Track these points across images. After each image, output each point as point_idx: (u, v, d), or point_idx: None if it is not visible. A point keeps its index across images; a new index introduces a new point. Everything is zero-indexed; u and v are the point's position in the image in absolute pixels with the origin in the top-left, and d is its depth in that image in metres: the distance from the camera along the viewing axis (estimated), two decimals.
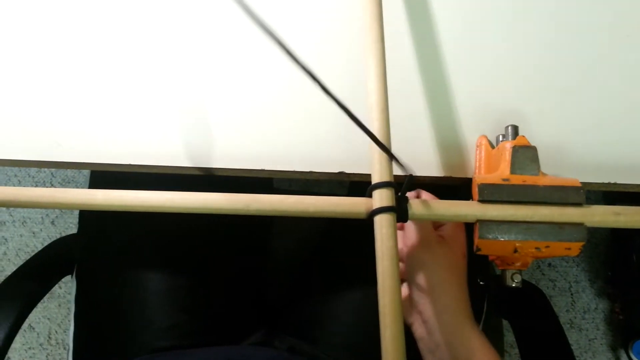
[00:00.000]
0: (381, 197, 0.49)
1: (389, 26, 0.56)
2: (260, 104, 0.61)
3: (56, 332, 1.44)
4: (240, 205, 0.51)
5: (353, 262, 0.72)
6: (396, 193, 0.50)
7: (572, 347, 0.65)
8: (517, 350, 0.70)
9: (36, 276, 0.73)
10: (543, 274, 1.43)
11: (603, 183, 0.60)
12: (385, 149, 0.50)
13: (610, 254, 1.42)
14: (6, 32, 0.62)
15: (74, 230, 0.81)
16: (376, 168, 0.50)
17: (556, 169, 0.59)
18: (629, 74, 0.61)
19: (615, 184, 0.60)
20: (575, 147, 0.60)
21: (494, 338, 0.80)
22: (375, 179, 0.50)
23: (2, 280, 0.70)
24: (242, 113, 0.61)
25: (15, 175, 1.46)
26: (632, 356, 1.35)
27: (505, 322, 0.94)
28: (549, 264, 1.43)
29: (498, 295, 0.73)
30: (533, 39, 0.61)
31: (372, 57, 0.54)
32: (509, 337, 0.93)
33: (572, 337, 1.41)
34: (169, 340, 0.67)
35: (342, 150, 0.61)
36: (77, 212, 1.33)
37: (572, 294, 1.43)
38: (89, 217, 0.76)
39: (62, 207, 0.53)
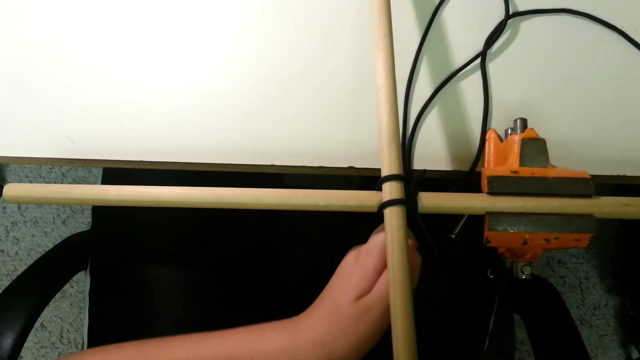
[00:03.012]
0: (391, 190, 0.49)
1: (397, 20, 0.57)
2: (270, 100, 0.61)
3: (68, 331, 1.45)
4: (250, 200, 0.51)
5: None
6: (406, 186, 0.50)
7: None
8: (527, 347, 0.70)
9: (50, 271, 0.74)
10: (553, 271, 1.43)
11: (612, 176, 0.60)
12: None
13: (620, 250, 1.42)
14: (18, 29, 0.63)
15: (86, 229, 0.82)
16: (385, 161, 0.51)
17: (565, 162, 0.59)
18: (638, 67, 0.61)
19: (624, 176, 0.60)
20: (584, 140, 0.60)
21: (506, 333, 0.80)
22: (384, 172, 0.50)
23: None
24: (252, 109, 0.61)
25: (27, 176, 1.47)
26: None
27: (516, 319, 0.94)
28: (559, 261, 1.43)
29: (509, 289, 0.74)
30: (541, 32, 0.62)
31: (380, 51, 0.54)
32: (519, 333, 0.94)
33: (583, 333, 1.40)
34: (180, 333, 0.67)
35: (351, 145, 0.61)
36: (88, 212, 1.35)
37: (582, 291, 1.43)
38: (103, 213, 0.76)
39: (76, 203, 0.53)
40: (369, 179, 0.57)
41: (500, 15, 0.62)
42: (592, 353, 1.40)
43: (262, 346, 0.51)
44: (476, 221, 0.54)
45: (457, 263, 0.72)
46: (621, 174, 0.59)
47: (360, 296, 0.49)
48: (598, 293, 1.43)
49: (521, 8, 0.62)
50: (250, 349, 0.51)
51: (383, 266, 0.50)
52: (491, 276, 0.71)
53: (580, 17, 0.61)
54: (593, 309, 1.42)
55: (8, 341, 0.63)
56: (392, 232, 0.48)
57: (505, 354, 0.80)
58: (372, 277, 0.49)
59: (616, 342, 1.41)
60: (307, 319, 0.51)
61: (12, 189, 0.52)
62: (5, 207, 1.47)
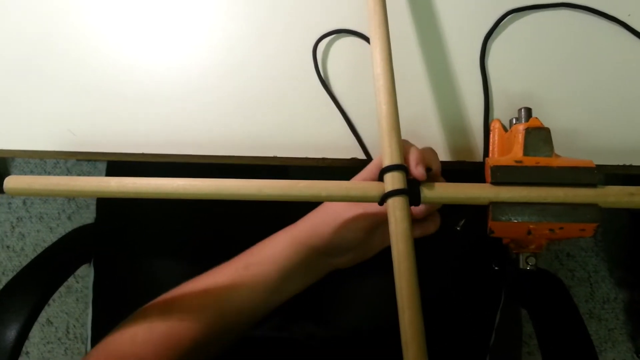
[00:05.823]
0: (393, 180, 0.49)
1: (393, 9, 0.56)
2: (273, 92, 0.61)
3: (74, 326, 1.45)
4: (252, 190, 0.51)
5: None
6: (408, 176, 0.50)
7: (592, 338, 0.65)
8: (535, 342, 0.70)
9: (54, 265, 0.74)
10: (562, 264, 1.42)
11: (618, 165, 0.59)
12: None
13: (629, 242, 1.40)
14: (18, 23, 0.63)
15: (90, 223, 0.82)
16: (386, 152, 0.50)
17: (570, 151, 0.58)
18: None
19: (630, 166, 0.59)
20: (589, 130, 0.59)
21: (512, 328, 0.80)
22: (385, 163, 0.50)
23: None
24: (256, 101, 0.61)
25: (32, 171, 1.47)
26: None
27: (524, 313, 0.94)
28: (568, 254, 1.42)
29: (514, 282, 0.73)
30: (541, 26, 0.61)
31: (377, 41, 0.53)
32: (528, 327, 0.92)
33: (592, 327, 1.39)
34: None
35: (354, 137, 0.60)
36: (93, 207, 1.34)
37: (591, 284, 1.42)
38: (106, 206, 0.77)
39: (77, 195, 0.53)
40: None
41: (499, 11, 0.61)
42: (601, 347, 1.39)
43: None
44: (481, 213, 0.54)
45: (462, 256, 0.71)
46: (627, 163, 0.59)
47: None
48: (607, 286, 1.41)
49: (519, 4, 0.61)
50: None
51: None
52: (496, 268, 0.70)
53: (580, 10, 0.61)
54: (602, 303, 1.41)
55: (12, 332, 0.63)
56: (395, 223, 0.48)
57: (511, 349, 0.79)
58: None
59: (625, 335, 1.40)
60: None
61: (13, 181, 0.52)
62: (10, 203, 1.47)
